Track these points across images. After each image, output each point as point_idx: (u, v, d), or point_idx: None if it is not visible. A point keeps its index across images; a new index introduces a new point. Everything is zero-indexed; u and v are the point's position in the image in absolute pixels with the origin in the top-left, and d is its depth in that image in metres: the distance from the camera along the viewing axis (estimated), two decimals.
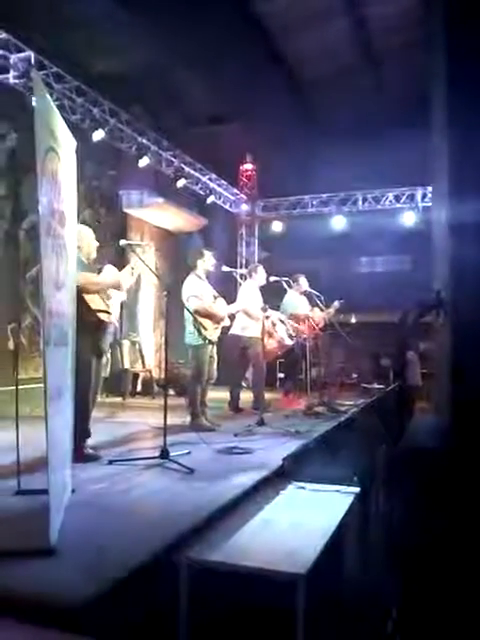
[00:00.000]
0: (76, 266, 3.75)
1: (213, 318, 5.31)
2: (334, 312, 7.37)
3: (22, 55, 6.36)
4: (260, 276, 6.42)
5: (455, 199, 3.98)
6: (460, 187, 3.91)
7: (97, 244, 4.06)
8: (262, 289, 6.45)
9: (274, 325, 6.52)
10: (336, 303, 7.35)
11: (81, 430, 3.64)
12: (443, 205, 4.30)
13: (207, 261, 5.47)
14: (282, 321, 6.68)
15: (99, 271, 4.01)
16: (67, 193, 2.86)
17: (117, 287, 4.05)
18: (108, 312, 3.89)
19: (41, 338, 2.29)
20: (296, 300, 7.07)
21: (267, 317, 5.91)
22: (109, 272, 4.08)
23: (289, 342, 6.79)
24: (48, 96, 2.76)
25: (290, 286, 6.89)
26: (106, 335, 4.06)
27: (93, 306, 3.78)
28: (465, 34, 3.93)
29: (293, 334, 6.86)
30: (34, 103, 2.37)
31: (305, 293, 7.23)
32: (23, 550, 2.09)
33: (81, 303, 3.69)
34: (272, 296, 6.71)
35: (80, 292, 3.71)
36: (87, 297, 3.75)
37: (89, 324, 3.74)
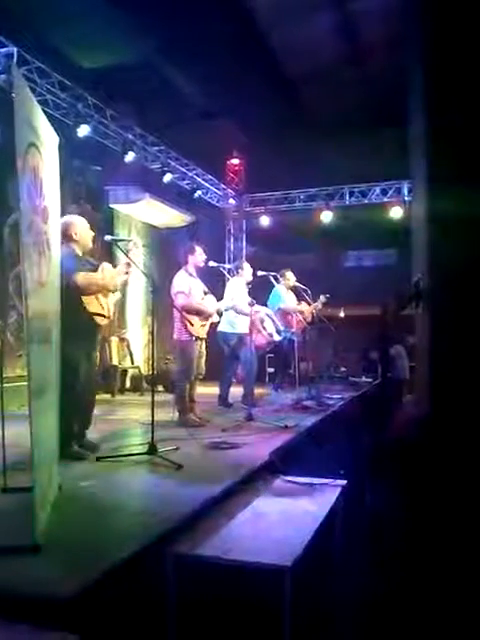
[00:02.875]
0: (73, 262, 3.72)
1: (201, 315, 5.31)
2: (321, 306, 7.40)
3: (4, 50, 6.28)
4: (246, 272, 6.44)
5: (433, 191, 4.02)
6: (437, 179, 3.95)
7: (93, 234, 3.96)
8: (249, 284, 6.46)
9: (262, 321, 6.54)
10: (322, 297, 7.38)
11: (68, 428, 3.63)
12: (421, 197, 4.34)
13: (198, 256, 5.47)
14: (270, 316, 6.70)
15: (95, 268, 3.93)
16: (50, 189, 2.84)
17: (115, 289, 3.99)
18: (104, 316, 3.83)
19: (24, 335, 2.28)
20: (283, 295, 7.09)
21: (256, 312, 5.92)
22: (107, 271, 4.02)
23: (278, 337, 6.81)
24: (29, 91, 2.74)
25: (277, 281, 6.90)
26: (98, 337, 4.02)
27: (90, 309, 3.73)
28: (441, 27, 3.96)
29: (281, 329, 6.89)
30: (14, 98, 2.35)
31: (292, 288, 7.25)
32: (8, 547, 2.09)
33: (78, 305, 3.65)
34: (259, 291, 6.73)
35: (79, 294, 3.67)
36: (85, 299, 3.70)
37: (84, 327, 3.70)
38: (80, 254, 3.87)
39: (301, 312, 7.13)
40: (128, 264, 4.05)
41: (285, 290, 7.14)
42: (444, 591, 2.90)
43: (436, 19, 4.03)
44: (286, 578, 2.17)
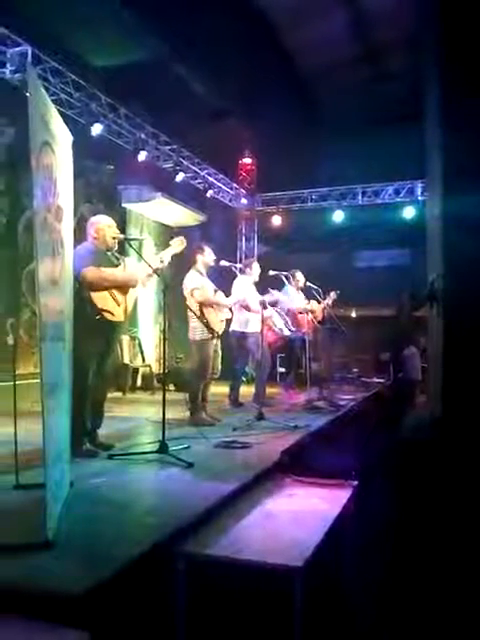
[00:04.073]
0: (88, 258, 3.74)
1: (218, 306, 5.34)
2: (331, 303, 7.38)
3: (19, 49, 6.32)
4: (254, 271, 6.44)
5: (449, 189, 3.98)
6: (454, 177, 3.91)
7: (115, 233, 3.95)
8: (258, 284, 6.46)
9: (271, 317, 6.54)
10: (332, 294, 7.35)
11: (80, 426, 3.65)
12: (437, 196, 4.31)
13: (207, 256, 5.47)
14: (278, 312, 6.70)
15: (116, 264, 3.93)
16: (63, 188, 2.85)
17: (131, 283, 3.94)
18: (112, 313, 3.80)
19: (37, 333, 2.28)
20: (292, 295, 7.08)
21: (265, 308, 5.88)
22: (130, 266, 4.01)
23: (287, 332, 6.82)
24: (43, 90, 2.75)
25: (288, 281, 6.90)
26: (113, 336, 3.99)
27: (99, 305, 3.71)
28: (458, 25, 3.93)
29: (292, 328, 6.89)
30: (28, 97, 2.36)
31: (302, 288, 7.24)
32: (20, 544, 2.10)
33: (86, 301, 3.66)
34: (269, 291, 6.71)
35: (88, 289, 3.67)
36: (94, 295, 3.69)
37: (93, 324, 3.69)
38: (101, 250, 3.88)
39: (312, 311, 7.12)
40: (162, 261, 4.14)
41: (294, 291, 7.13)
42: (457, 590, 2.88)
43: (452, 16, 4.00)
44: (297, 579, 2.15)
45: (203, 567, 2.29)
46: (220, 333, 5.39)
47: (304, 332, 6.91)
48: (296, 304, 7.02)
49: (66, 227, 2.90)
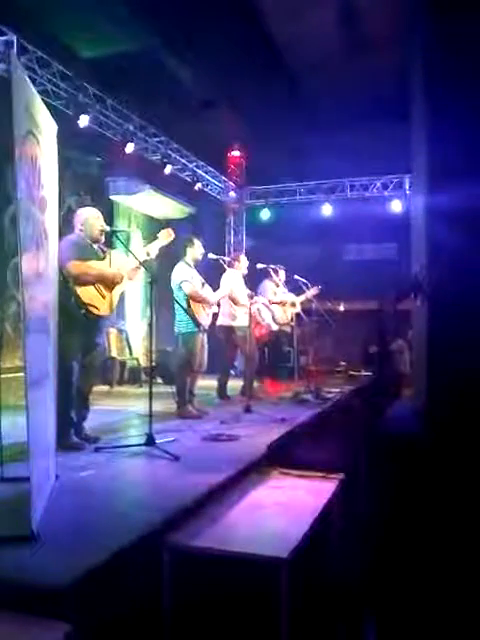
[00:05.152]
0: (72, 250, 3.70)
1: (205, 303, 5.33)
2: (311, 297, 7.38)
3: (4, 38, 6.23)
4: (242, 265, 6.44)
5: (433, 183, 4.01)
6: (438, 172, 3.94)
7: (102, 226, 3.91)
8: (246, 277, 6.46)
9: (259, 311, 6.55)
10: (314, 289, 7.34)
11: (66, 418, 3.63)
12: (421, 189, 4.34)
13: (197, 249, 5.46)
14: (265, 305, 6.72)
15: (102, 257, 3.91)
16: (48, 178, 2.82)
17: (117, 280, 3.90)
18: (96, 307, 3.78)
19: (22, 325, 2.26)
20: (269, 290, 7.10)
21: (253, 302, 5.89)
22: (116, 259, 3.99)
23: (275, 326, 6.84)
24: (28, 79, 2.72)
25: (277, 274, 6.91)
26: (98, 330, 3.96)
27: (84, 299, 3.69)
28: (442, 21, 3.94)
29: (278, 321, 6.91)
30: (12, 86, 2.32)
31: (285, 282, 7.25)
32: (5, 536, 2.09)
33: (70, 294, 3.63)
34: (255, 284, 6.73)
35: (72, 283, 3.64)
36: (79, 289, 3.66)
37: (77, 317, 3.66)
38: (87, 243, 3.85)
39: (292, 305, 7.15)
40: (148, 253, 4.12)
41: (273, 286, 7.14)
42: (441, 580, 2.91)
43: (439, 13, 4.01)
44: (283, 570, 2.17)
45: (189, 558, 2.29)
46: (207, 326, 5.38)
47: (291, 326, 6.93)
48: (274, 297, 7.05)
49: (50, 218, 2.88)
